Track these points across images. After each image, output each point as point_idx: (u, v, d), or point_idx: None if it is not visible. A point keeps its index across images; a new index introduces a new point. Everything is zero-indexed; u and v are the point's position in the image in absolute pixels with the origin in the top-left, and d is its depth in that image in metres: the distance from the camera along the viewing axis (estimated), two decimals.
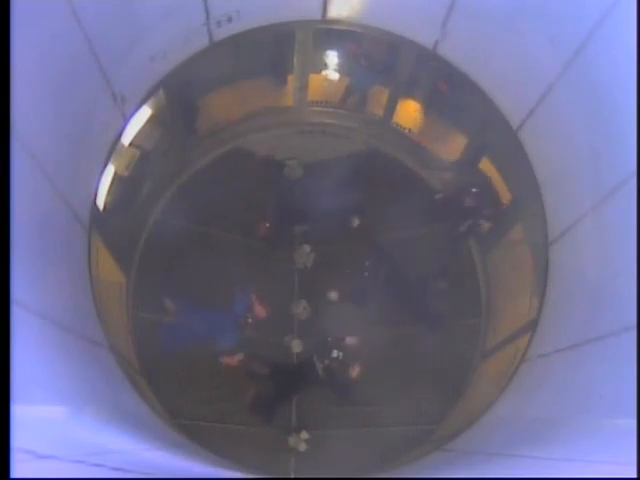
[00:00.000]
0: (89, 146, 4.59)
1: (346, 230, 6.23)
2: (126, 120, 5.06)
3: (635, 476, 2.16)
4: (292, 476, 5.59)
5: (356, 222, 6.21)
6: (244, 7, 5.02)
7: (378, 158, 6.58)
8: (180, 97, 5.70)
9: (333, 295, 6.06)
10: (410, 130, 6.47)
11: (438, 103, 6.15)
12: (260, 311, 5.88)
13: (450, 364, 5.84)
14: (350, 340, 5.78)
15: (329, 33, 5.76)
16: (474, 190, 5.94)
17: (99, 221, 4.87)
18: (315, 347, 5.84)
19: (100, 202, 4.97)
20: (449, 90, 5.83)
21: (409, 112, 6.44)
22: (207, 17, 4.88)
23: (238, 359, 5.81)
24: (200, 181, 6.32)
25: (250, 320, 5.82)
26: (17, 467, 1.91)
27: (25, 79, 3.05)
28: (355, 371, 5.71)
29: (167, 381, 5.62)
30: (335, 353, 5.67)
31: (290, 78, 6.32)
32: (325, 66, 6.28)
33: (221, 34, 5.19)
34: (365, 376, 5.78)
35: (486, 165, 5.89)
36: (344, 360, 5.71)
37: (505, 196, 5.78)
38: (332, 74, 6.36)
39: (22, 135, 3.12)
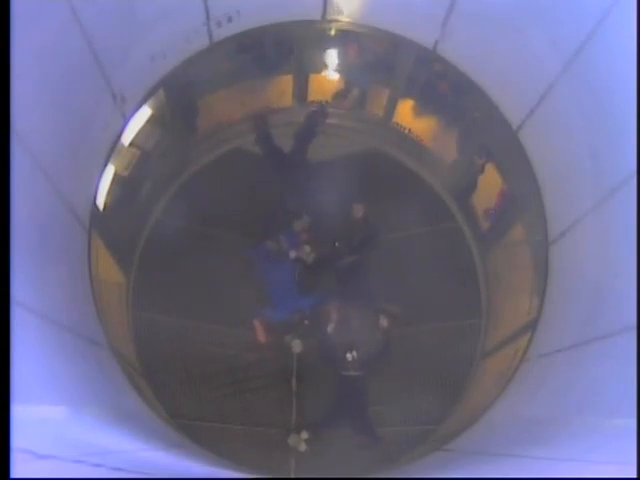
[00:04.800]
0: (89, 146, 4.59)
1: (346, 229, 6.23)
2: (126, 120, 5.06)
3: (635, 476, 2.16)
4: (292, 476, 5.59)
5: (356, 221, 6.20)
6: (244, 7, 5.02)
7: (378, 158, 6.59)
8: (180, 97, 5.70)
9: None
10: (410, 130, 6.47)
11: (438, 103, 6.16)
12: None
13: (450, 364, 5.84)
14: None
15: (329, 33, 5.77)
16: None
17: (99, 221, 4.87)
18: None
19: (100, 202, 4.97)
20: (449, 90, 5.83)
21: (409, 112, 6.44)
22: (207, 17, 4.89)
23: (267, 335, 5.83)
24: (200, 181, 6.32)
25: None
26: (17, 467, 1.91)
27: (25, 79, 3.05)
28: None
29: (167, 381, 5.62)
30: (350, 356, 5.64)
31: (290, 78, 6.33)
32: (325, 66, 6.29)
33: (221, 34, 5.19)
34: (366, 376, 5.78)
35: (486, 165, 5.90)
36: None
37: (505, 196, 5.78)
38: (332, 74, 6.37)
39: (22, 135, 3.12)
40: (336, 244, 5.93)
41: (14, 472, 1.88)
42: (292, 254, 6.00)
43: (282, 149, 6.31)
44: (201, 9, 4.76)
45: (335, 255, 5.92)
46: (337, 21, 5.50)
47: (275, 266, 5.76)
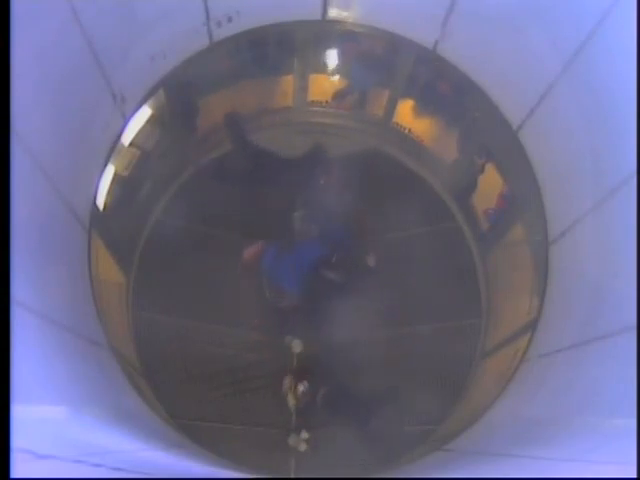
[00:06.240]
0: (89, 146, 4.59)
1: (346, 229, 6.22)
2: (126, 120, 5.06)
3: (635, 476, 2.16)
4: (292, 476, 5.59)
5: (357, 221, 6.21)
6: (244, 7, 5.02)
7: (378, 158, 6.58)
8: (180, 97, 5.70)
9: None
10: (410, 130, 6.47)
11: (438, 103, 6.15)
12: None
13: (450, 364, 5.83)
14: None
15: (329, 33, 5.76)
16: None
17: (99, 221, 4.87)
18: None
19: (100, 202, 4.96)
20: (449, 90, 5.83)
21: (409, 112, 6.43)
22: (207, 17, 4.89)
23: (258, 248, 5.82)
24: (200, 181, 6.32)
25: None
26: (17, 467, 1.91)
27: (25, 79, 3.05)
28: None
29: (167, 381, 5.61)
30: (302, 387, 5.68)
31: (290, 78, 6.32)
32: (325, 66, 6.29)
33: (221, 34, 5.19)
34: (365, 375, 5.78)
35: (486, 165, 5.90)
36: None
37: (505, 196, 5.78)
38: (332, 74, 6.36)
39: (22, 135, 3.12)
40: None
41: (14, 472, 1.88)
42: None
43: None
44: (201, 9, 4.76)
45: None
46: (337, 21, 5.50)
47: (283, 260, 5.78)
